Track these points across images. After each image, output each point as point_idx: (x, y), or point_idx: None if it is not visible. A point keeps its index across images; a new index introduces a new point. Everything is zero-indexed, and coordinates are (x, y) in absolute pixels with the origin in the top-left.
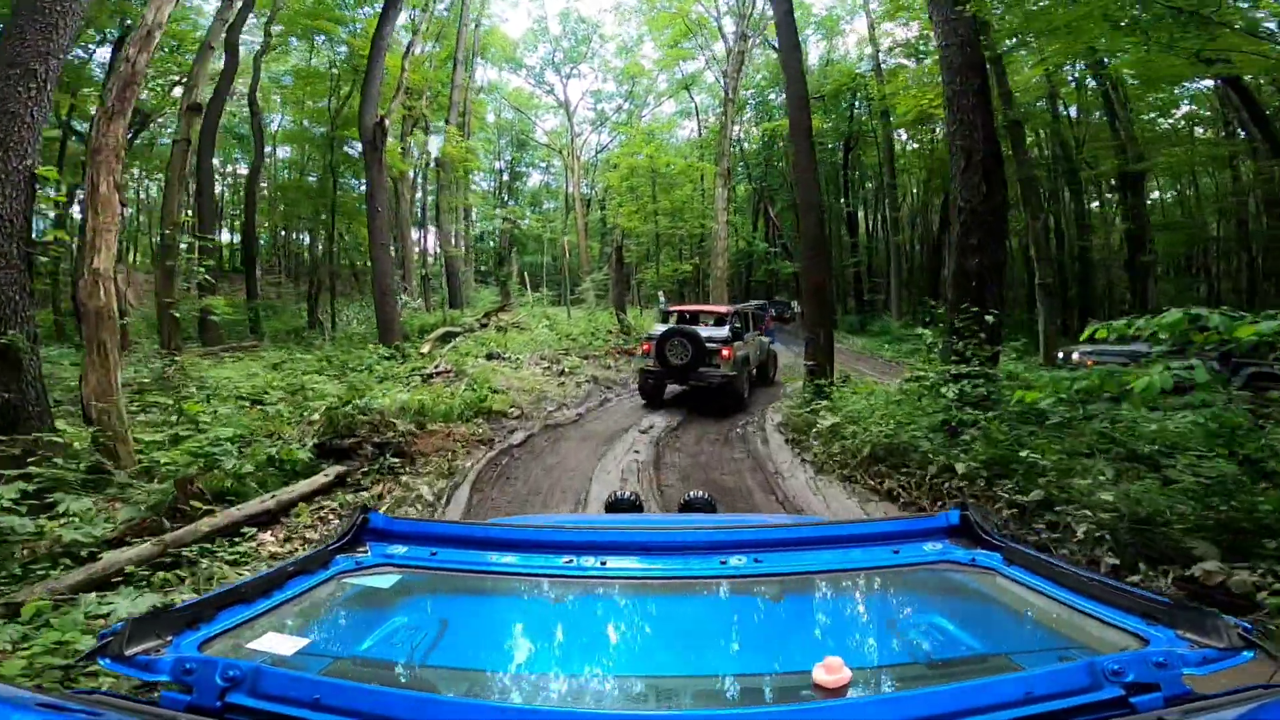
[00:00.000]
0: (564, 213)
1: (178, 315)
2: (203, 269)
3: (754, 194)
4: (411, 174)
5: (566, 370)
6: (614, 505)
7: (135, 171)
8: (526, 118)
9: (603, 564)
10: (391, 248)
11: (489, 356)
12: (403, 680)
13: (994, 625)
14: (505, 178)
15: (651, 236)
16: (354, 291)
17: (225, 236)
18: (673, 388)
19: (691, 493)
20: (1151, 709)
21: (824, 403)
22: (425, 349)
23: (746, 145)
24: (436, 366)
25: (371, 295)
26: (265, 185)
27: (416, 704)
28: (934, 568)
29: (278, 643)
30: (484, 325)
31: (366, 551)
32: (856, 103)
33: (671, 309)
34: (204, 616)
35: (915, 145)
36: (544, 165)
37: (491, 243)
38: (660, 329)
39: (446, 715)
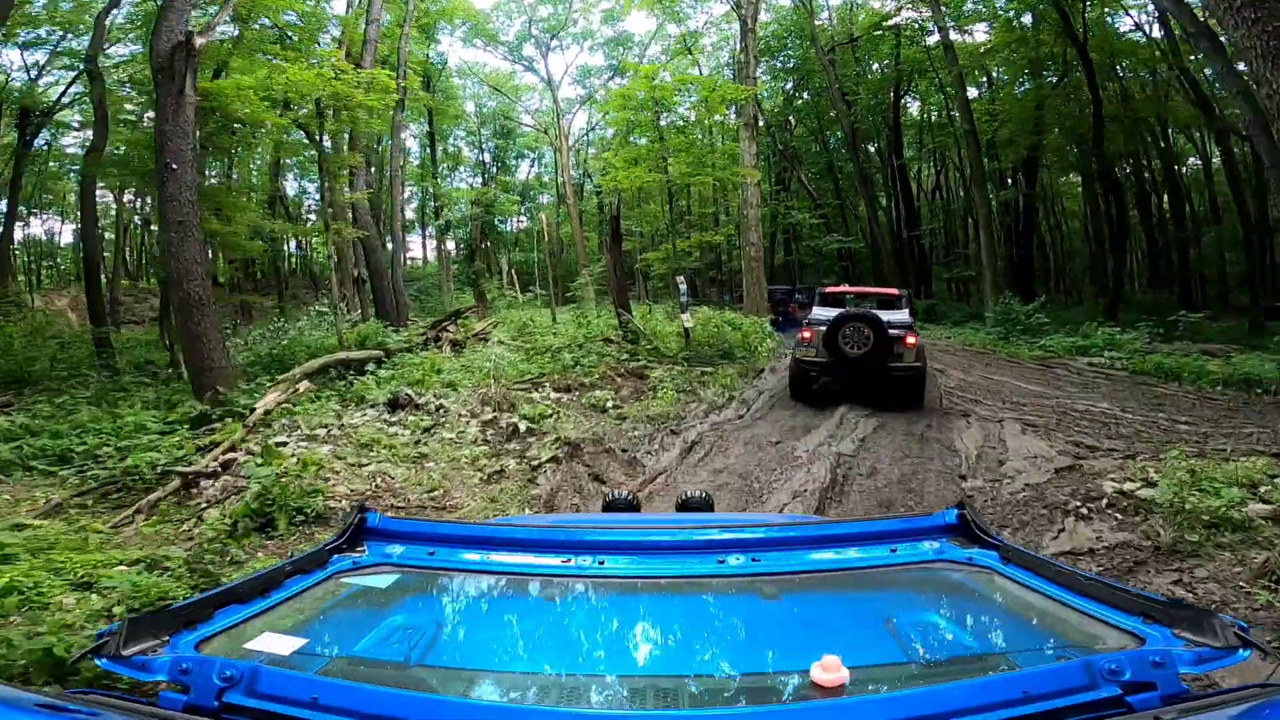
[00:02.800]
0: (556, 204)
1: None
2: None
3: (773, 155)
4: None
5: (521, 430)
6: (611, 505)
7: None
8: (508, 101)
9: (601, 564)
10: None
11: (391, 405)
12: (400, 680)
13: (991, 624)
14: (494, 171)
15: (659, 204)
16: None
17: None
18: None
19: (689, 491)
20: (1148, 708)
21: None
22: (270, 400)
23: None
24: (238, 450)
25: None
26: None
27: (414, 704)
28: (931, 567)
29: (275, 642)
30: (432, 342)
31: (364, 551)
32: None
33: (829, 291)
34: (201, 616)
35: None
36: (532, 155)
37: (461, 231)
38: (821, 313)
39: (445, 715)
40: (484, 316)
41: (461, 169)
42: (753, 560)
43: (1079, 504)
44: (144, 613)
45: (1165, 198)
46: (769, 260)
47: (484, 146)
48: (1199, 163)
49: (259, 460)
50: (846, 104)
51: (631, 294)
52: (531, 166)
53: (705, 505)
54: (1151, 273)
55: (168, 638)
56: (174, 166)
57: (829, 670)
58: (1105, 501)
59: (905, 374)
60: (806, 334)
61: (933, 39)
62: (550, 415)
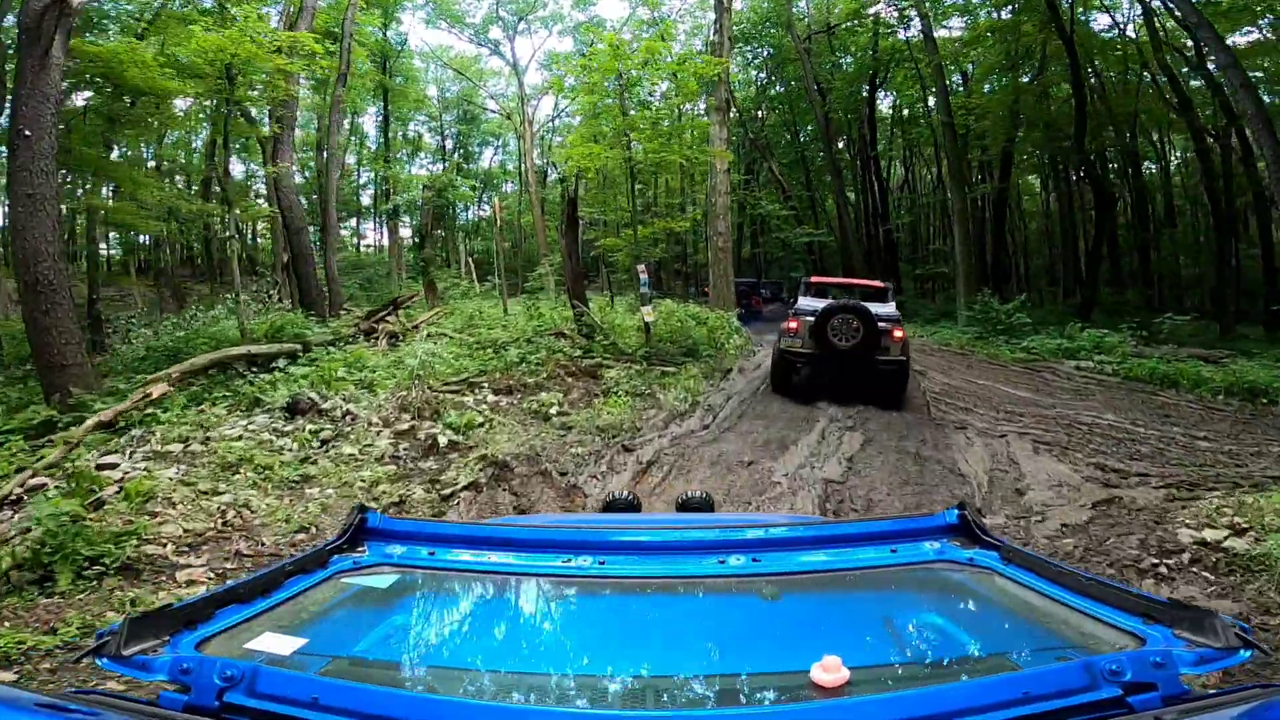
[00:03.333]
0: (520, 193)
1: None
2: None
3: (744, 145)
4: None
5: (442, 444)
6: (611, 505)
7: None
8: (472, 85)
9: (601, 564)
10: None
11: (290, 411)
12: (401, 680)
13: (992, 625)
14: (456, 158)
15: (624, 191)
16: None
17: None
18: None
19: (689, 491)
20: (1149, 709)
21: None
22: (128, 405)
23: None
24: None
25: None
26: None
27: (415, 704)
28: (932, 567)
29: (275, 642)
30: (366, 334)
31: (364, 551)
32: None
33: (815, 281)
34: (201, 616)
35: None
36: (497, 142)
37: (413, 217)
38: (808, 303)
39: (445, 715)
40: (434, 306)
41: (422, 155)
42: (753, 560)
43: (1153, 559)
44: (145, 612)
45: (1129, 199)
46: (736, 253)
47: (445, 132)
48: (1152, 167)
49: (57, 488)
50: (821, 94)
51: (594, 285)
52: (495, 154)
53: (706, 505)
54: (1113, 274)
55: (168, 637)
56: (27, 133)
57: (830, 671)
58: (1187, 556)
59: (891, 367)
60: (793, 324)
61: (914, 27)
62: (481, 424)
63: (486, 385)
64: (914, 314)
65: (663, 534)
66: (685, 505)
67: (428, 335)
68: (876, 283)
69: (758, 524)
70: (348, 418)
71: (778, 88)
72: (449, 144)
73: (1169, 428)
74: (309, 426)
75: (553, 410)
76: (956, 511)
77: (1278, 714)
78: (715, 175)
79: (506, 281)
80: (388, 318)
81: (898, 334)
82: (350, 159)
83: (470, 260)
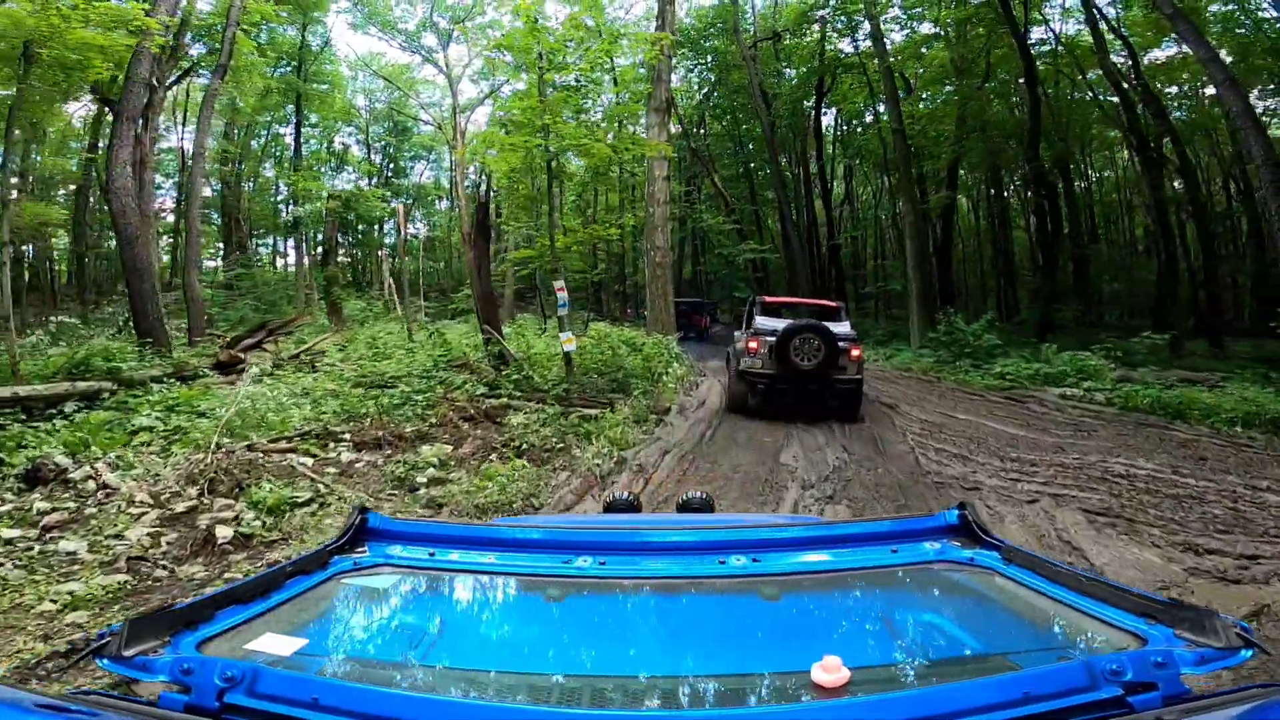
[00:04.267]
0: (450, 209)
1: None
2: None
3: (685, 159)
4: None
5: (223, 538)
6: (612, 505)
7: None
8: (404, 95)
9: (601, 564)
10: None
11: (29, 480)
12: (401, 680)
13: (992, 625)
14: (388, 174)
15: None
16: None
17: None
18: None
19: (689, 492)
20: (1150, 708)
21: None
22: None
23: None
24: None
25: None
26: None
27: (415, 704)
28: (932, 567)
29: (276, 643)
30: (224, 368)
31: (365, 552)
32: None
33: (770, 301)
34: (202, 617)
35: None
36: (430, 157)
37: (314, 231)
38: (766, 323)
39: (445, 715)
40: (338, 330)
41: (349, 169)
42: (753, 561)
43: None
44: (145, 613)
45: (1062, 211)
46: (677, 272)
47: (372, 145)
48: (1086, 181)
49: None
50: (766, 102)
51: (531, 307)
52: (428, 169)
53: (706, 506)
54: (1048, 290)
55: (169, 638)
56: None
57: (830, 671)
58: None
59: (849, 386)
60: (753, 344)
61: (863, 30)
62: (308, 502)
63: (348, 438)
64: (864, 334)
65: (663, 534)
66: (685, 506)
67: (304, 368)
68: (831, 302)
69: (758, 524)
70: (102, 492)
71: (717, 97)
72: (378, 157)
73: (1220, 476)
74: (38, 505)
75: (424, 477)
76: (957, 511)
77: (1278, 714)
78: (654, 182)
79: (433, 304)
80: (264, 345)
81: (855, 353)
82: (269, 170)
83: (391, 280)
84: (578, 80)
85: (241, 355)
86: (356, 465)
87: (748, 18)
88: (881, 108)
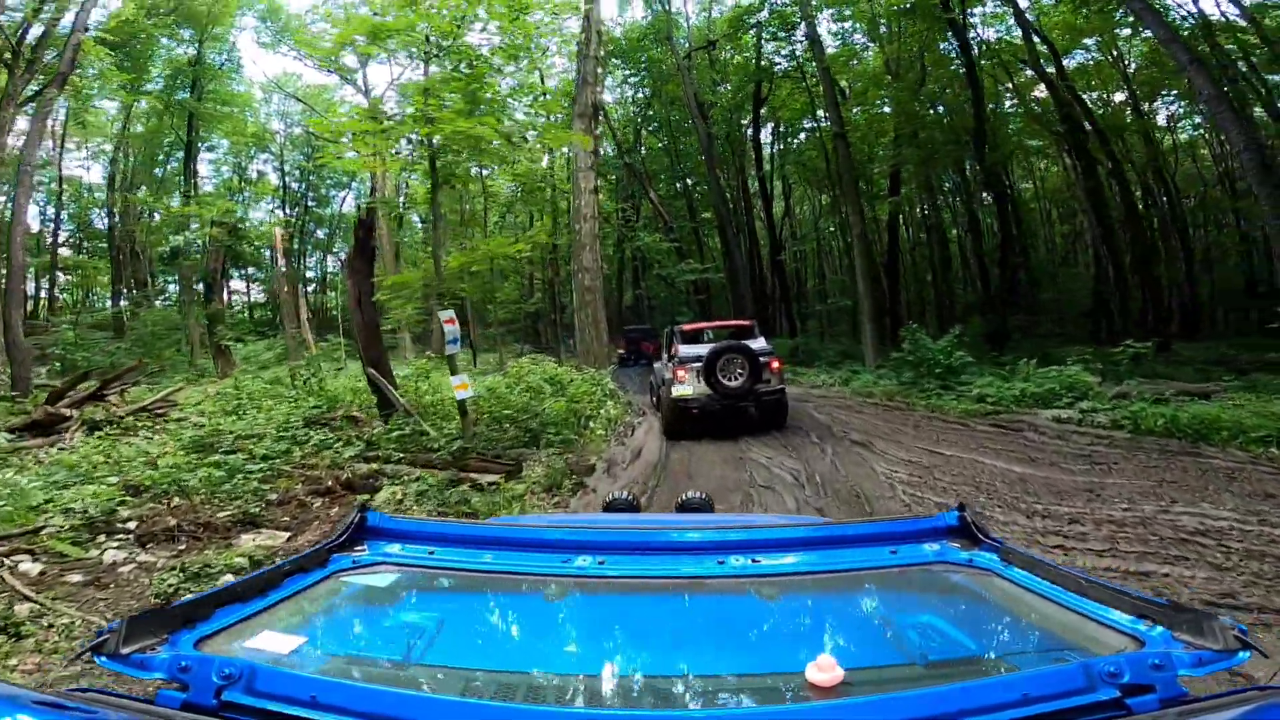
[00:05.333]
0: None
1: None
2: None
3: (621, 179)
4: None
5: None
6: (611, 505)
7: None
8: (322, 117)
9: (601, 564)
10: None
11: None
12: (400, 679)
13: (990, 626)
14: (309, 202)
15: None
16: None
17: None
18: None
19: (689, 492)
20: (1147, 711)
21: None
22: None
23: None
24: None
25: None
26: None
27: (414, 703)
28: (931, 568)
29: (274, 641)
30: (40, 429)
31: (364, 550)
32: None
33: (688, 328)
34: (200, 615)
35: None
36: (356, 185)
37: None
38: (689, 350)
39: (444, 714)
40: (225, 375)
41: (268, 199)
42: (753, 561)
43: None
44: (144, 611)
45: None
46: (616, 299)
47: (287, 171)
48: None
49: None
50: (703, 115)
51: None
52: (353, 196)
53: (705, 506)
54: (984, 300)
55: (167, 636)
56: None
57: (824, 670)
58: None
59: (774, 396)
60: (681, 372)
61: (799, 31)
62: None
63: (135, 525)
64: (816, 355)
65: (663, 534)
66: (685, 506)
67: (145, 425)
68: (744, 321)
69: (757, 524)
70: None
71: (651, 112)
72: (298, 184)
73: None
74: None
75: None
76: (956, 513)
77: (1275, 716)
78: (579, 195)
79: (295, 336)
80: (106, 398)
81: (775, 365)
82: (175, 202)
83: (307, 315)
84: (472, 65)
85: (66, 412)
86: (122, 570)
87: (682, 29)
88: (822, 113)
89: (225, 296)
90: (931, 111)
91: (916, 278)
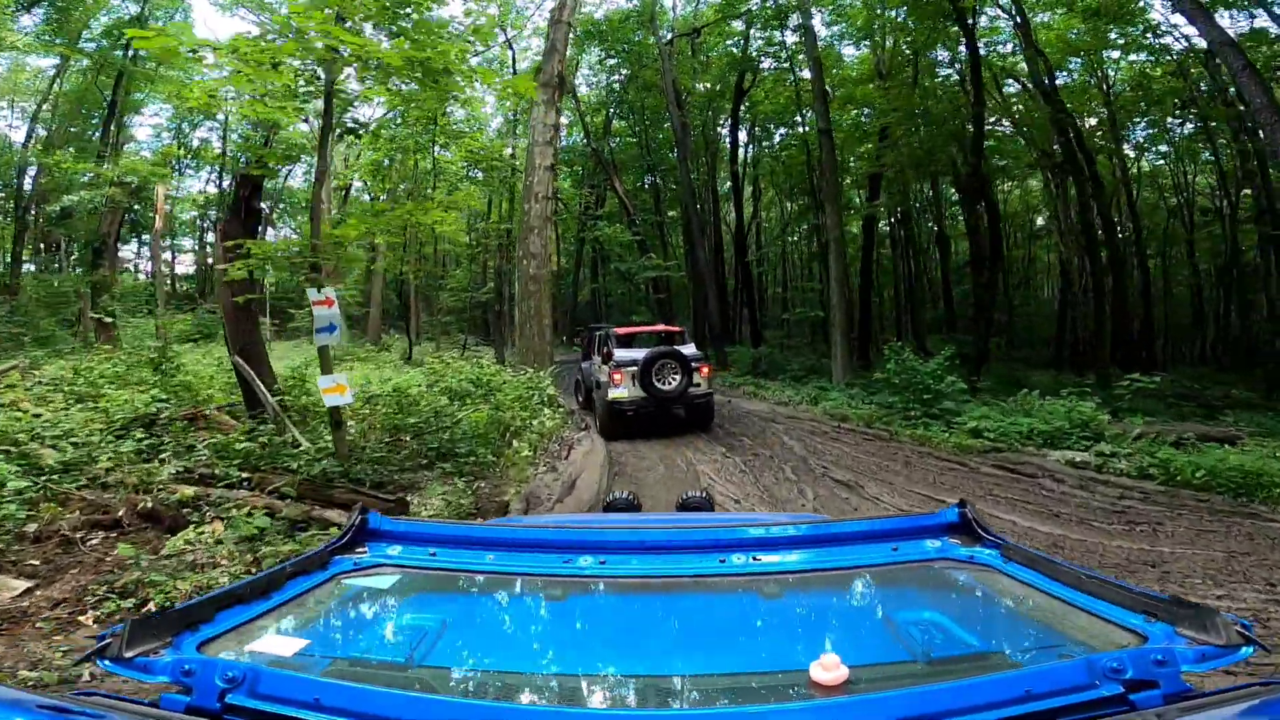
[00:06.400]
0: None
1: None
2: None
3: (586, 170)
4: None
5: None
6: (612, 505)
7: None
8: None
9: (601, 563)
10: None
11: None
12: (402, 680)
13: (993, 623)
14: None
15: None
16: None
17: None
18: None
19: (689, 492)
20: (1150, 706)
21: None
22: None
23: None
24: None
25: None
26: None
27: (416, 704)
28: (933, 565)
29: (277, 643)
30: None
31: (365, 552)
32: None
33: (623, 332)
34: (203, 618)
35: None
36: (310, 159)
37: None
38: (625, 354)
39: (446, 715)
40: (107, 352)
41: (209, 168)
42: (754, 559)
43: None
44: (147, 615)
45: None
46: (571, 295)
47: (231, 140)
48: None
49: None
50: (679, 104)
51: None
52: (306, 171)
53: (706, 505)
54: (948, 319)
55: (170, 639)
56: None
57: (828, 669)
58: None
59: (703, 399)
60: (618, 376)
61: (793, 20)
62: None
63: None
64: (780, 368)
65: (663, 534)
66: (685, 505)
67: None
68: (674, 327)
69: (758, 523)
70: None
71: (625, 92)
72: (245, 157)
73: None
74: None
75: None
76: (957, 509)
77: (1278, 712)
78: (533, 172)
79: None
80: None
81: (705, 370)
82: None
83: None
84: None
85: None
86: None
87: (667, 16)
88: (807, 113)
89: (115, 264)
90: (920, 114)
91: (878, 293)
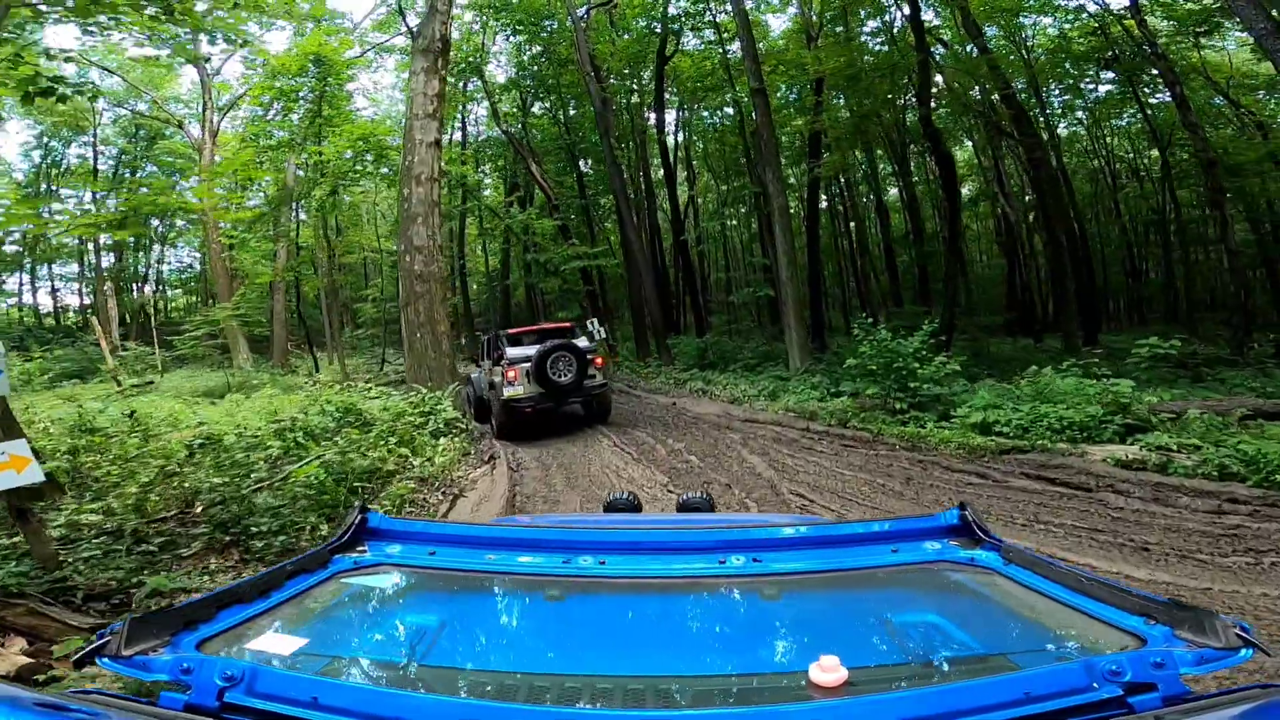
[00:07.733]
0: (205, 231)
1: None
2: None
3: (506, 158)
4: None
5: None
6: (612, 505)
7: None
8: (139, 93)
9: (601, 564)
10: None
11: None
12: (401, 680)
13: (992, 625)
14: (128, 191)
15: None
16: None
17: None
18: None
19: (689, 493)
20: (1149, 709)
21: None
22: None
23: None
24: None
25: None
26: None
27: (415, 704)
28: (933, 567)
29: (276, 642)
30: None
31: (365, 551)
32: None
33: (513, 333)
34: (202, 616)
35: None
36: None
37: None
38: (517, 352)
39: (446, 715)
40: None
41: (90, 191)
42: (754, 560)
43: None
44: (146, 613)
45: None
46: (503, 297)
47: (103, 156)
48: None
49: None
50: (598, 77)
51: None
52: (192, 183)
53: (706, 506)
54: (892, 290)
55: (169, 637)
56: None
57: (828, 670)
58: None
59: (599, 390)
60: (511, 373)
61: None
62: None
63: None
64: (729, 358)
65: (663, 534)
66: (685, 505)
67: None
68: (564, 324)
69: (758, 524)
70: None
71: (539, 70)
72: (124, 171)
73: None
74: None
75: None
76: (957, 511)
77: (1278, 715)
78: (413, 151)
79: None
80: None
81: (599, 362)
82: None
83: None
84: None
85: None
86: None
87: None
88: (740, 89)
89: None
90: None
91: (825, 268)
